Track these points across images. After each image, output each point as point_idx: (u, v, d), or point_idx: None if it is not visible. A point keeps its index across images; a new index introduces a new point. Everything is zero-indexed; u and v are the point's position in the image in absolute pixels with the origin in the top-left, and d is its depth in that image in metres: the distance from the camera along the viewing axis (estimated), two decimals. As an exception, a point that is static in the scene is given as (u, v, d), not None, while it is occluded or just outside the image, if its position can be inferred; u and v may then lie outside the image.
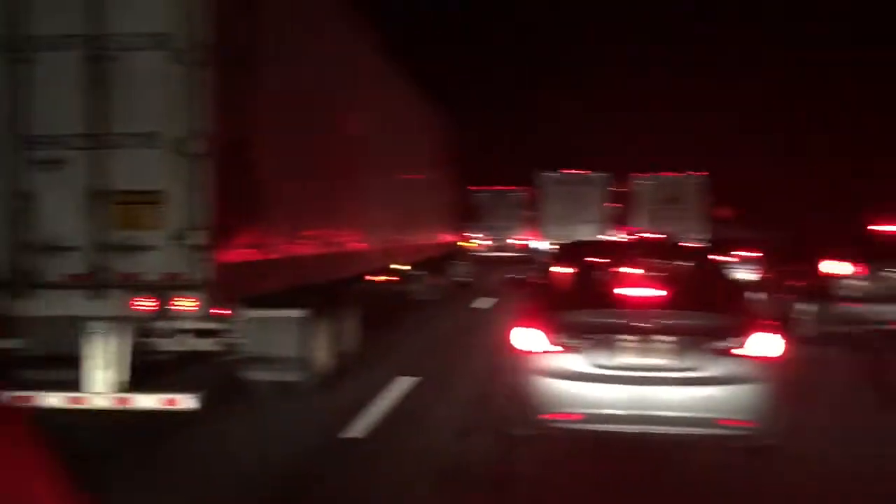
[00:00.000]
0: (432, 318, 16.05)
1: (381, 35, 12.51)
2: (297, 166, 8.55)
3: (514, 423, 6.49)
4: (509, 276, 9.10)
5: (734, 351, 6.08)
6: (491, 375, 8.18)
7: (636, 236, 29.10)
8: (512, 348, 6.39)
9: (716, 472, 6.34)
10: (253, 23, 7.22)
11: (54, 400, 6.67)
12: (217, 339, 7.80)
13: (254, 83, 7.23)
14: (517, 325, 6.43)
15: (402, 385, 9.12)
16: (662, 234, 27.80)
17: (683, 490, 6.03)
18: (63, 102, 6.37)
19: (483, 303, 18.50)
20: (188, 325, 7.63)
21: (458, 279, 22.83)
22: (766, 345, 6.13)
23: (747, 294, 8.72)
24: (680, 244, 13.05)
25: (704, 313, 6.44)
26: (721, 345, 6.08)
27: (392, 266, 14.82)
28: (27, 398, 6.57)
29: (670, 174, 32.97)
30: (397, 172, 14.23)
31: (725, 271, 9.12)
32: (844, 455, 6.64)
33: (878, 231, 13.82)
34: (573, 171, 34.80)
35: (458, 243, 23.91)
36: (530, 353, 6.28)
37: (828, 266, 12.86)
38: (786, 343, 6.21)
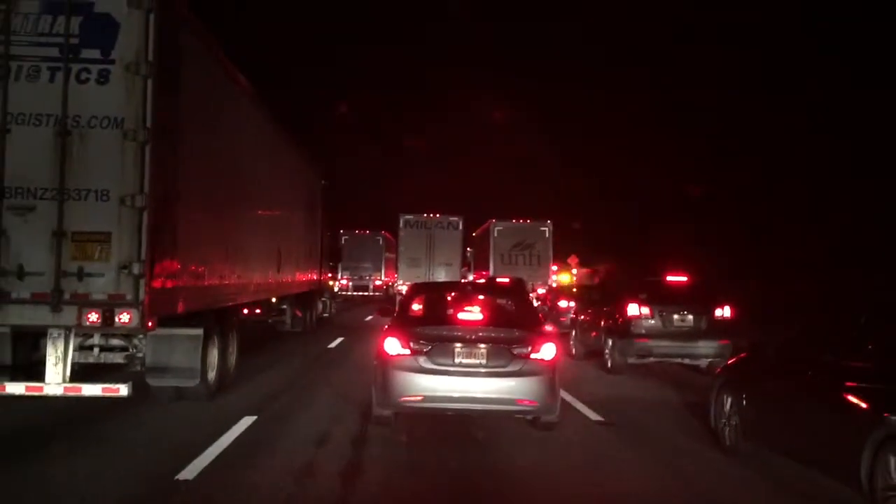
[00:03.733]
0: (288, 353, 17.40)
1: (268, 103, 15.01)
2: (206, 215, 10.89)
3: (380, 405, 9.33)
4: (381, 305, 12.31)
5: (527, 355, 9.08)
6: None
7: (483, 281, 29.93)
8: (381, 352, 9.28)
9: (508, 432, 9.26)
10: (176, 107, 9.55)
11: (17, 388, 8.77)
12: (125, 353, 10.11)
13: (175, 153, 9.52)
14: (385, 337, 9.32)
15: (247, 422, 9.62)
16: (510, 278, 27.48)
17: (485, 442, 9.14)
18: (36, 163, 8.50)
19: (333, 342, 20.06)
20: (97, 340, 9.94)
21: (321, 314, 25.25)
22: (547, 351, 9.16)
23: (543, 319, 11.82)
24: (499, 283, 16.41)
25: (510, 329, 9.48)
26: (519, 350, 9.10)
27: (264, 299, 17.08)
28: None
29: (521, 221, 33.83)
30: (276, 218, 16.55)
31: (530, 302, 12.46)
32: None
33: (663, 280, 16.40)
34: (430, 214, 35.09)
35: (324, 281, 25.80)
36: (392, 355, 9.14)
37: (630, 309, 15.34)
38: (558, 350, 9.34)
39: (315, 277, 22.99)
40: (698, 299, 15.43)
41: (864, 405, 6.34)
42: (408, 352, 9.07)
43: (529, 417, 9.53)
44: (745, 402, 8.38)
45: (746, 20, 36.67)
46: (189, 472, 7.28)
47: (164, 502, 6.60)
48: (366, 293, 44.99)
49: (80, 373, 9.50)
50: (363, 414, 10.14)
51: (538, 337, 9.32)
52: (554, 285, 32.44)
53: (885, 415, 6.05)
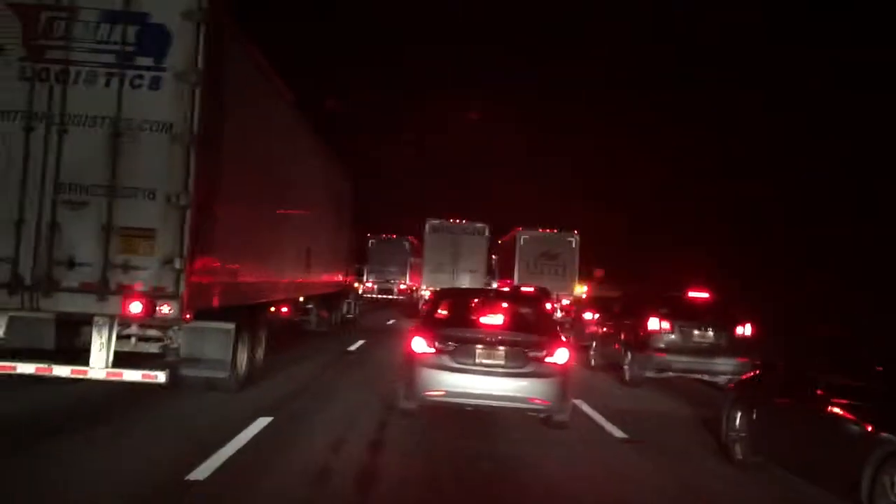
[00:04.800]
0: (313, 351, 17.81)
1: (301, 107, 15.51)
2: (243, 216, 11.40)
3: (406, 398, 10.14)
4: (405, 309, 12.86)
5: (542, 358, 9.80)
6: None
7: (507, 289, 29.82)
8: (409, 350, 10.07)
9: (522, 429, 9.83)
10: (221, 112, 10.03)
11: (63, 371, 9.28)
12: (160, 343, 10.60)
13: (218, 156, 10.02)
14: (412, 336, 10.09)
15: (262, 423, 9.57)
16: (535, 287, 27.61)
17: (503, 434, 9.87)
18: (90, 161, 9.00)
19: (355, 345, 20.12)
20: (135, 330, 10.43)
21: (345, 315, 25.71)
22: (560, 356, 9.85)
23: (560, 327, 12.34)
24: (523, 292, 16.99)
25: (528, 334, 10.18)
26: (535, 354, 9.82)
27: (293, 298, 17.58)
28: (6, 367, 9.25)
29: (548, 230, 33.71)
30: (307, 219, 17.05)
31: (548, 311, 13.16)
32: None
33: (683, 296, 16.60)
34: (457, 220, 35.15)
35: (350, 283, 26.31)
36: (418, 354, 9.91)
37: (650, 323, 15.48)
38: (571, 355, 10.08)
39: (341, 279, 23.48)
40: (719, 316, 15.53)
41: (865, 424, 6.64)
42: (433, 350, 9.86)
43: (542, 416, 10.20)
44: (754, 418, 8.70)
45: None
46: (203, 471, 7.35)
47: (172, 501, 6.57)
48: (390, 296, 45.52)
49: (118, 360, 9.88)
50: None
51: (553, 342, 10.04)
52: (583, 296, 32.55)
53: (884, 434, 6.36)
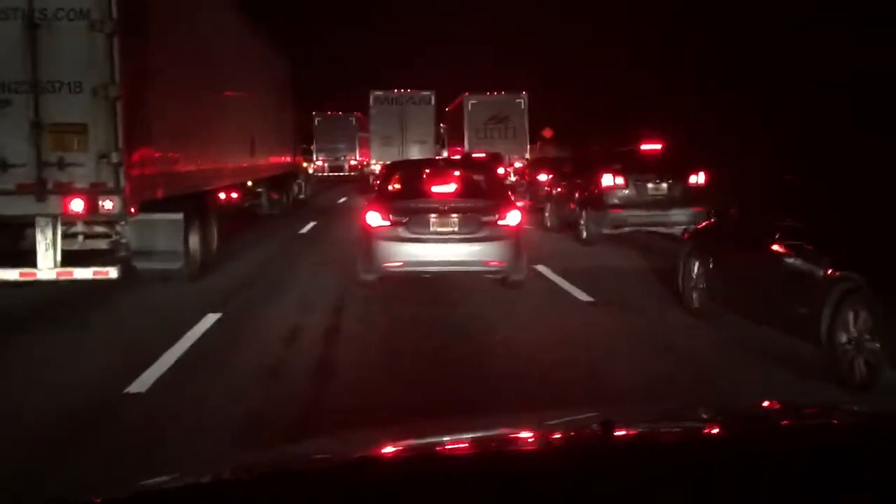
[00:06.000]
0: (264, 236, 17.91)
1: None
2: (178, 103, 11.00)
3: (365, 271, 10.32)
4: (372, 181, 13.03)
5: (495, 222, 10.02)
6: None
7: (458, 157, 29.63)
8: (364, 224, 10.20)
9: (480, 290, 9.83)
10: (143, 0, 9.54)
11: (11, 275, 9.05)
12: (109, 239, 10.35)
13: (144, 42, 9.58)
14: (367, 211, 10.25)
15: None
16: (487, 153, 28.09)
17: (464, 297, 10.10)
18: (8, 57, 8.56)
19: (305, 227, 19.63)
20: (81, 228, 10.17)
21: (297, 196, 25.46)
22: (512, 218, 10.06)
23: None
24: (475, 158, 17.15)
25: (480, 200, 10.40)
26: (487, 218, 10.02)
27: (240, 183, 17.26)
28: None
29: (495, 94, 33.43)
30: (247, 102, 16.59)
31: (500, 175, 13.65)
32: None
33: (637, 149, 16.55)
34: (401, 91, 34.32)
35: (298, 164, 26.00)
36: (374, 227, 10.03)
37: (604, 179, 15.36)
38: (523, 217, 10.37)
39: (289, 160, 23.16)
40: (673, 167, 15.44)
41: (824, 264, 6.66)
42: (388, 223, 10.00)
43: (499, 276, 10.50)
44: (710, 266, 8.74)
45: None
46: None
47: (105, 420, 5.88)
48: (341, 173, 45.23)
49: (69, 259, 9.70)
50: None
51: (505, 206, 10.24)
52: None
53: (844, 272, 6.40)
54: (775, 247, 7.37)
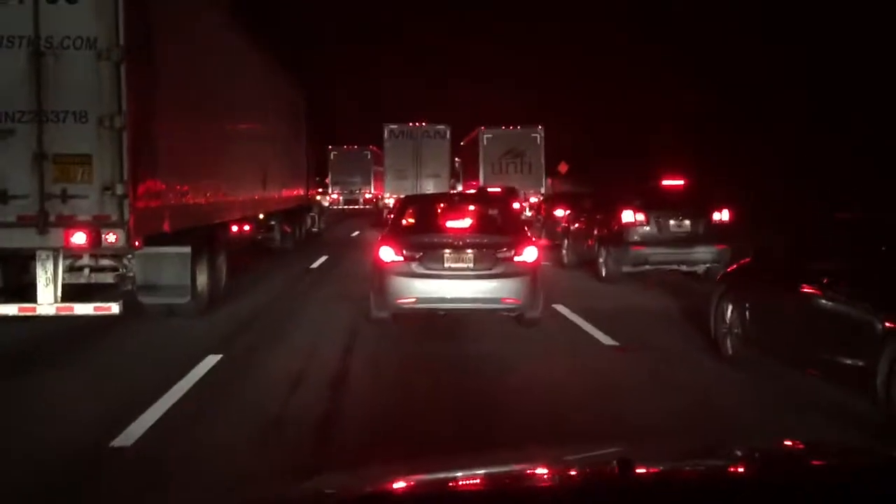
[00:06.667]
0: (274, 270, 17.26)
1: (243, 15, 14.55)
2: (187, 134, 10.68)
3: (378, 307, 9.95)
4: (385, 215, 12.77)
5: (511, 258, 9.73)
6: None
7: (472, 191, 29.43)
8: (377, 259, 9.88)
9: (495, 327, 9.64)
10: (149, 23, 9.21)
11: (10, 310, 8.68)
12: (115, 273, 9.99)
13: (152, 72, 9.25)
14: (380, 245, 9.93)
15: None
16: (503, 187, 27.68)
17: (480, 335, 9.84)
18: (12, 85, 8.24)
19: (317, 262, 19.20)
20: (87, 261, 9.81)
21: (310, 229, 25.14)
22: (529, 254, 9.78)
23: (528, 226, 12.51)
24: (490, 193, 16.80)
25: (495, 235, 10.17)
26: (503, 254, 9.73)
27: (252, 216, 16.90)
28: None
29: (511, 127, 33.10)
30: (259, 134, 16.28)
31: (515, 210, 13.35)
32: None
33: (659, 185, 16.17)
34: (416, 124, 33.99)
35: (312, 196, 25.67)
36: (387, 262, 9.71)
37: (624, 216, 14.89)
38: (540, 253, 10.10)
39: (302, 193, 22.85)
40: (695, 203, 15.04)
41: (881, 312, 6.16)
42: (401, 259, 9.69)
43: (514, 314, 10.15)
44: (747, 310, 8.22)
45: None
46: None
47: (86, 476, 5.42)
48: (356, 206, 45.28)
49: (73, 293, 9.46)
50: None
51: (521, 241, 9.98)
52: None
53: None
54: (825, 291, 6.87)
